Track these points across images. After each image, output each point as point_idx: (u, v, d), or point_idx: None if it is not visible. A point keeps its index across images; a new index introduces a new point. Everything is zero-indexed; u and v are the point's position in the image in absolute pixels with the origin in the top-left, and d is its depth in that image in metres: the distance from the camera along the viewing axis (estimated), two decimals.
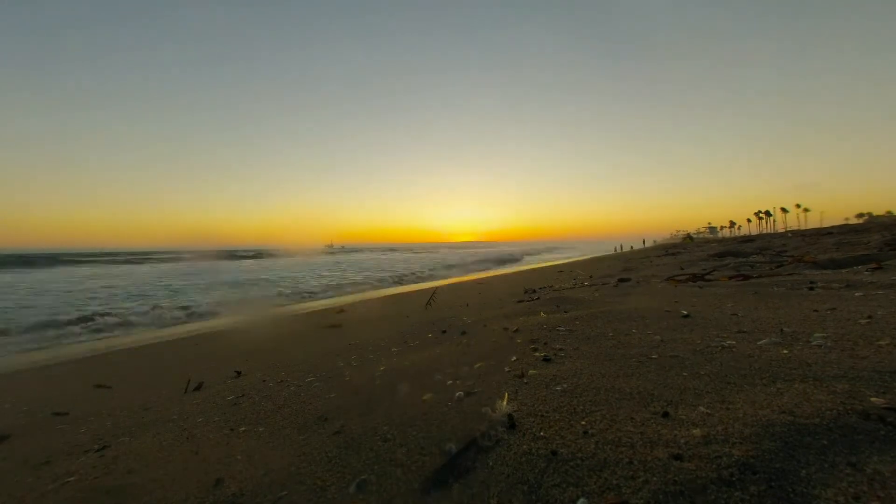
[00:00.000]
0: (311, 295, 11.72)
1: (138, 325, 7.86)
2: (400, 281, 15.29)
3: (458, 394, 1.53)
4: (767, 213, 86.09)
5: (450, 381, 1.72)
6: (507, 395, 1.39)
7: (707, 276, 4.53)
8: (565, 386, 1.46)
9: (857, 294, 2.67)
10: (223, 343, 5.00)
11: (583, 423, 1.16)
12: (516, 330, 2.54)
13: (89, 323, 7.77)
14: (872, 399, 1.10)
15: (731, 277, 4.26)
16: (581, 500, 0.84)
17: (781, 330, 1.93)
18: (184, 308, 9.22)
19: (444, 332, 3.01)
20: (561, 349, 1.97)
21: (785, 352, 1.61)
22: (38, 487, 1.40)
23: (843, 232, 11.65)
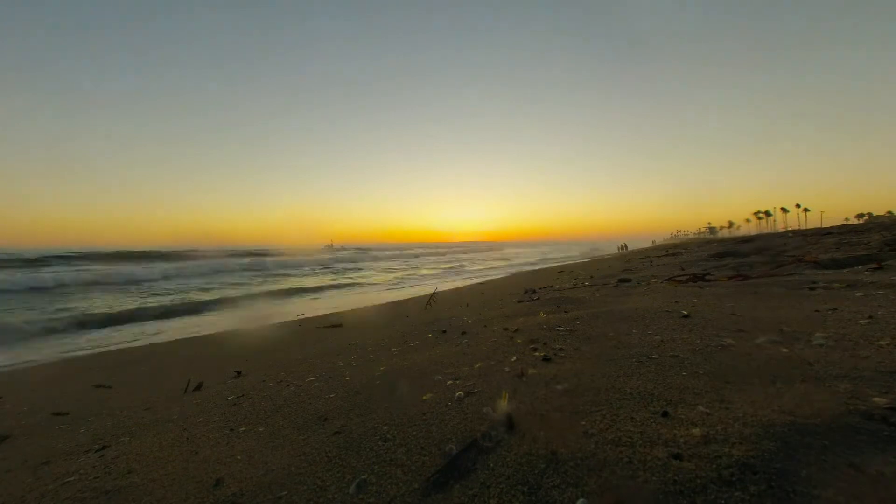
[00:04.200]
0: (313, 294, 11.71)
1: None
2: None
3: (458, 394, 1.53)
4: (767, 213, 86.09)
5: (450, 382, 1.72)
6: (506, 394, 1.39)
7: (707, 277, 4.52)
8: (566, 386, 1.46)
9: (857, 294, 2.67)
10: (223, 343, 5.00)
11: (583, 422, 1.16)
12: (516, 330, 2.54)
13: None
14: (875, 399, 1.10)
15: (730, 278, 4.26)
16: (580, 500, 0.84)
17: (781, 330, 1.93)
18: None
19: (445, 332, 3.00)
20: (561, 349, 1.97)
21: (785, 351, 1.61)
22: (38, 487, 1.40)
23: (843, 232, 11.65)
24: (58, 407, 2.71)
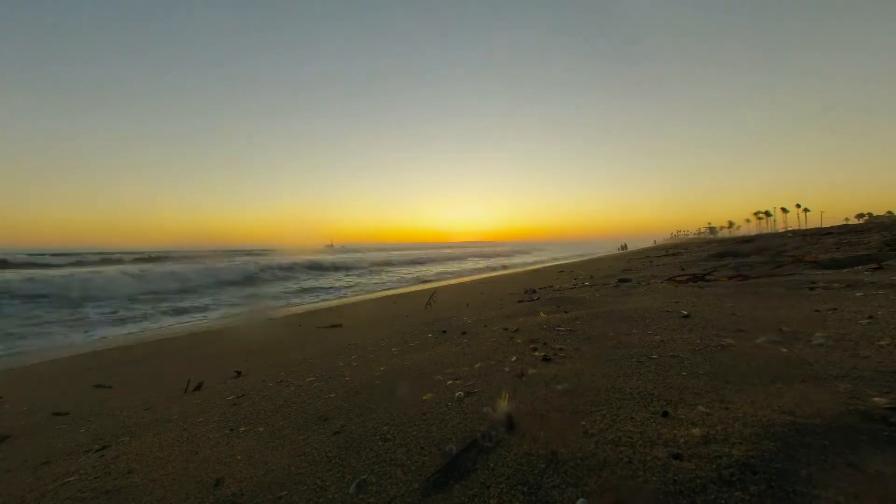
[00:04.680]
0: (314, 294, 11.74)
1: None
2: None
3: (458, 394, 1.53)
4: (767, 214, 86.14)
5: (450, 381, 1.72)
6: (506, 394, 1.39)
7: (707, 277, 4.53)
8: (566, 386, 1.46)
9: (857, 294, 2.67)
10: (223, 343, 5.00)
11: (583, 422, 1.16)
12: (516, 330, 2.54)
13: None
14: (875, 399, 1.10)
15: (731, 278, 4.26)
16: (580, 500, 0.84)
17: (781, 329, 1.93)
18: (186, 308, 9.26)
19: (445, 332, 3.00)
20: (561, 349, 1.97)
21: (785, 351, 1.61)
22: (38, 487, 1.40)
23: (843, 232, 11.65)
24: (58, 407, 2.71)
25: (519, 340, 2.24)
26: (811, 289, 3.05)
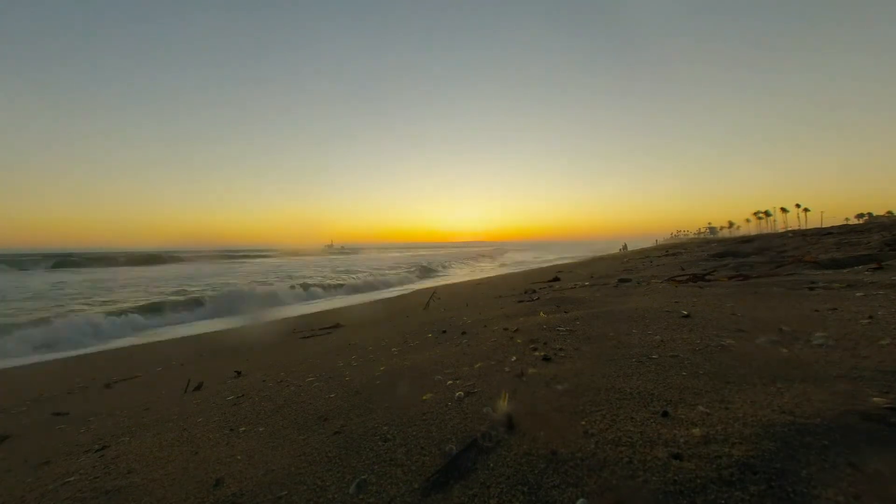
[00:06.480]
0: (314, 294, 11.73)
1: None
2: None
3: (458, 394, 1.53)
4: (767, 213, 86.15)
5: (450, 381, 1.72)
6: (506, 394, 1.39)
7: (707, 277, 4.52)
8: (566, 385, 1.46)
9: (857, 294, 2.67)
10: (223, 343, 5.00)
11: (583, 422, 1.16)
12: (516, 330, 2.54)
13: None
14: (874, 399, 1.10)
15: (731, 278, 4.26)
16: (580, 500, 0.84)
17: (781, 329, 1.93)
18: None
19: (445, 332, 3.00)
20: (561, 349, 1.97)
21: (785, 351, 1.61)
22: (38, 487, 1.40)
23: (843, 232, 11.65)
24: (58, 407, 2.71)
25: (519, 340, 2.24)
26: (811, 289, 3.05)
